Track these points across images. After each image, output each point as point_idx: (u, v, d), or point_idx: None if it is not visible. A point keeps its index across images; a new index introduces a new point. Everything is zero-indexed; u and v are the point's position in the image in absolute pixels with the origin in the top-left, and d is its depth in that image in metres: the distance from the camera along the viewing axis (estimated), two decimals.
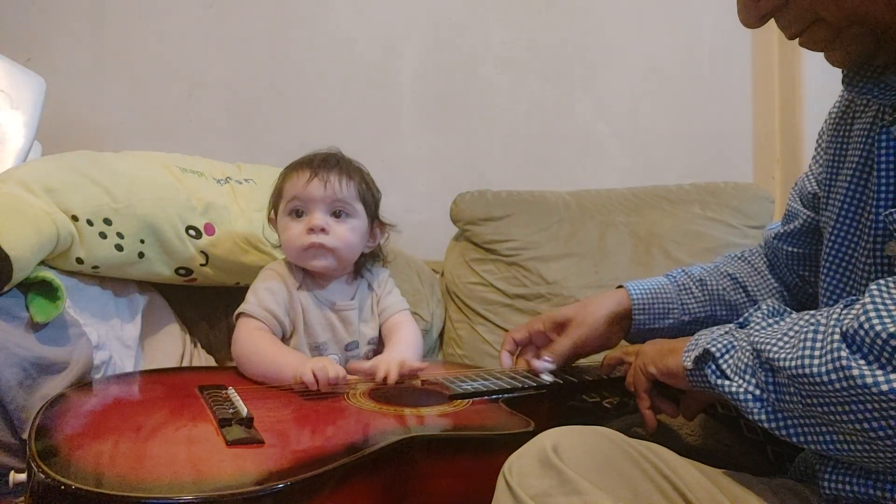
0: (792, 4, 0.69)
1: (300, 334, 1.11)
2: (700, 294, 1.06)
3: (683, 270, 1.10)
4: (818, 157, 0.94)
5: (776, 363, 0.67)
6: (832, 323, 0.64)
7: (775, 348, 0.68)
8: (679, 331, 1.06)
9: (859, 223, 0.77)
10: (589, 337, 1.04)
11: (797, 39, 0.72)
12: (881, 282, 0.63)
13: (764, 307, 0.79)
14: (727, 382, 0.73)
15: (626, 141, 1.86)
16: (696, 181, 1.69)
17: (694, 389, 0.82)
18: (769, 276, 1.05)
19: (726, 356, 0.75)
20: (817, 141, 0.94)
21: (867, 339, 0.60)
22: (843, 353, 0.61)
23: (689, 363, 0.79)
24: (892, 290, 0.62)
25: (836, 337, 0.62)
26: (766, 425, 0.69)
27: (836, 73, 0.77)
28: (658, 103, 1.86)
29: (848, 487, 0.69)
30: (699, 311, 1.06)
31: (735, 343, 0.75)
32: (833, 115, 0.87)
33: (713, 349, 0.76)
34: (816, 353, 0.64)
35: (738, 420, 0.97)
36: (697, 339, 0.80)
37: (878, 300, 0.61)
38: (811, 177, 0.95)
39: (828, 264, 0.81)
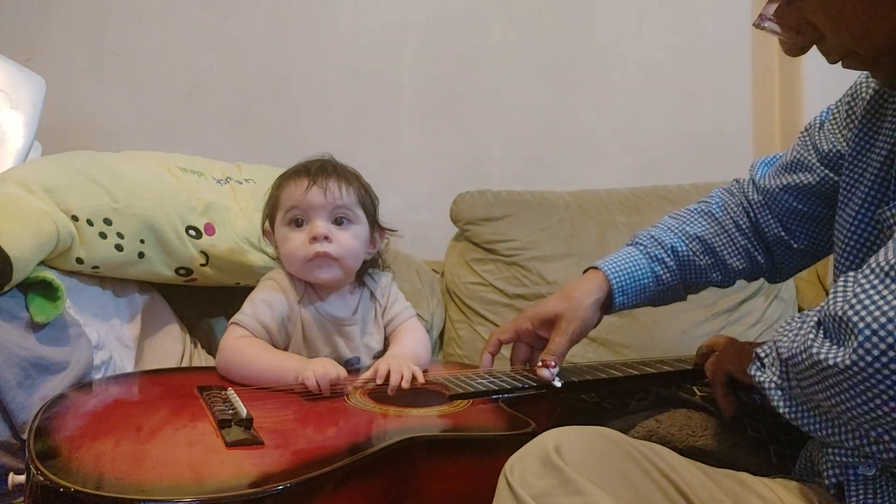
0: (827, 40, 0.73)
1: (299, 349, 1.09)
2: (673, 264, 1.06)
3: (652, 236, 1.08)
4: (834, 128, 0.94)
5: (781, 353, 0.73)
6: (813, 311, 0.71)
7: (782, 339, 0.74)
8: (651, 303, 1.08)
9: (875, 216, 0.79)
10: (582, 330, 1.04)
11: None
12: (850, 274, 0.69)
13: None
14: (759, 374, 0.78)
15: (626, 141, 1.86)
16: (696, 181, 1.69)
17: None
18: (737, 235, 1.06)
19: (768, 349, 0.79)
20: (833, 110, 0.95)
21: (830, 322, 0.67)
22: (811, 336, 0.69)
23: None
24: (859, 278, 0.67)
25: (812, 323, 0.70)
26: (782, 411, 0.74)
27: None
28: (658, 103, 1.86)
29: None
30: (671, 280, 1.07)
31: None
32: (863, 88, 0.88)
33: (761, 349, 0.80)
34: (795, 335, 0.71)
35: (742, 420, 0.97)
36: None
37: (840, 288, 0.67)
38: (825, 135, 0.95)
39: (846, 249, 0.82)
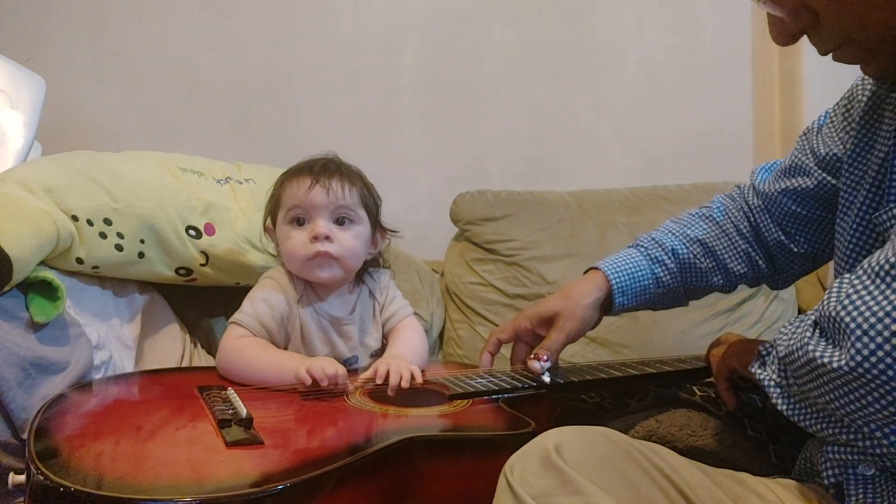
0: (822, 26, 0.71)
1: (297, 348, 1.09)
2: (673, 266, 1.07)
3: (653, 239, 1.09)
4: (832, 131, 0.94)
5: (779, 351, 0.75)
6: (811, 311, 0.72)
7: (781, 337, 0.76)
8: (651, 306, 1.09)
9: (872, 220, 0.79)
10: (580, 329, 1.04)
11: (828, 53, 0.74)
12: (845, 276, 0.69)
13: None
14: (760, 371, 0.79)
15: (626, 141, 1.86)
16: (696, 181, 1.69)
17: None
18: (738, 239, 1.06)
19: (769, 347, 0.80)
20: (830, 114, 0.95)
21: (826, 323, 0.67)
22: (807, 335, 0.70)
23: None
24: (853, 279, 0.67)
25: (809, 322, 0.72)
26: (781, 408, 0.75)
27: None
28: (658, 103, 1.86)
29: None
30: (671, 283, 1.07)
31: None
32: (859, 91, 0.87)
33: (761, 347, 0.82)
34: (792, 334, 0.73)
35: (741, 420, 0.97)
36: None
37: (835, 288, 0.68)
38: (823, 139, 0.95)
39: (846, 253, 0.82)
